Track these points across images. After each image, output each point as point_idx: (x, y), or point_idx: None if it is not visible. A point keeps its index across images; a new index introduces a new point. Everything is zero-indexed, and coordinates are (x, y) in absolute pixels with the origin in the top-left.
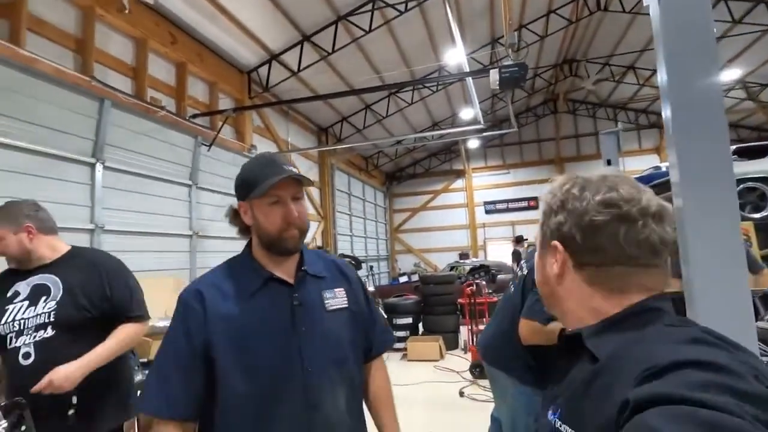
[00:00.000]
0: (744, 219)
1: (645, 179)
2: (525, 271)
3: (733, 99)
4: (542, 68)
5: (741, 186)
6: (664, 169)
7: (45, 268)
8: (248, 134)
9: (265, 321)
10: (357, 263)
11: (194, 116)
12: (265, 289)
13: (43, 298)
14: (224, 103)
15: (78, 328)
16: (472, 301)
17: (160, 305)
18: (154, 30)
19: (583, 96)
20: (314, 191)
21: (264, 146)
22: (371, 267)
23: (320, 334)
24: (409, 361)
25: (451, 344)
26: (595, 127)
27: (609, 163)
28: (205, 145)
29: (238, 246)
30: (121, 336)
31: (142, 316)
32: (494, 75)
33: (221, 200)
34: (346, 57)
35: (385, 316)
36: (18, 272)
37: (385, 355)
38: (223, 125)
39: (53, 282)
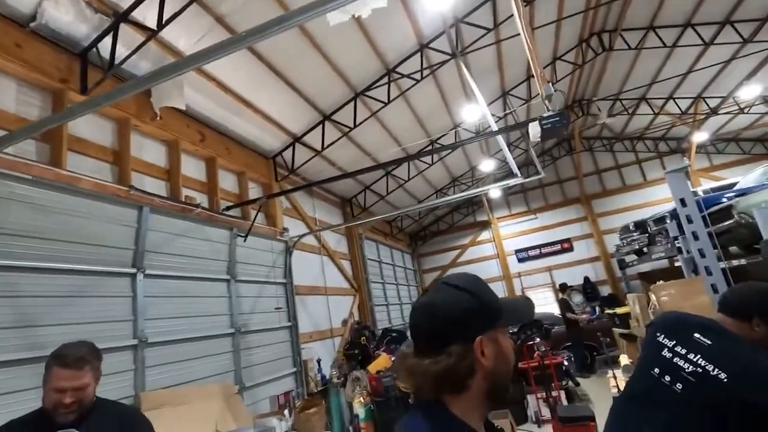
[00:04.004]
0: None
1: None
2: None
3: (755, 114)
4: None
5: None
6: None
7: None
8: (279, 217)
9: None
10: (401, 336)
11: (227, 208)
12: None
13: None
14: (253, 191)
15: None
16: (539, 364)
17: (211, 418)
18: (184, 132)
19: (597, 132)
20: (345, 263)
21: (293, 226)
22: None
23: None
24: None
25: (520, 418)
26: (614, 161)
27: (683, 203)
28: (241, 236)
29: (278, 337)
30: None
31: None
32: (535, 128)
33: (259, 290)
34: (366, 130)
35: None
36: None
37: None
38: (258, 213)
39: None
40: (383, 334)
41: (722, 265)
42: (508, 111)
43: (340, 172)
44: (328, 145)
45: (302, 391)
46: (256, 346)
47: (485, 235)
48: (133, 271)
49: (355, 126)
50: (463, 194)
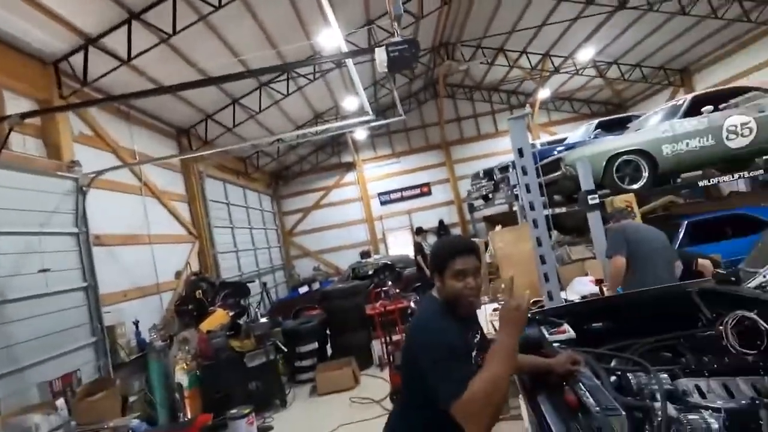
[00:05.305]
0: (624, 191)
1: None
2: None
3: (586, 77)
4: (421, 52)
5: (619, 159)
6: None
7: None
8: (66, 146)
9: None
10: (242, 290)
11: None
12: None
13: None
14: (19, 105)
15: None
16: (385, 309)
17: None
18: None
19: (460, 79)
20: (180, 206)
21: (94, 158)
22: (264, 284)
23: None
24: (320, 395)
25: (365, 362)
26: (473, 110)
27: (521, 153)
28: None
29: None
30: None
31: None
32: (381, 54)
33: (28, 245)
34: (194, 40)
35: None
36: None
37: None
38: (8, 135)
39: None
40: (220, 286)
41: (546, 212)
42: (375, 43)
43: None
44: (140, 54)
45: (103, 364)
46: (23, 318)
47: (350, 177)
48: None
49: (176, 32)
50: (324, 127)
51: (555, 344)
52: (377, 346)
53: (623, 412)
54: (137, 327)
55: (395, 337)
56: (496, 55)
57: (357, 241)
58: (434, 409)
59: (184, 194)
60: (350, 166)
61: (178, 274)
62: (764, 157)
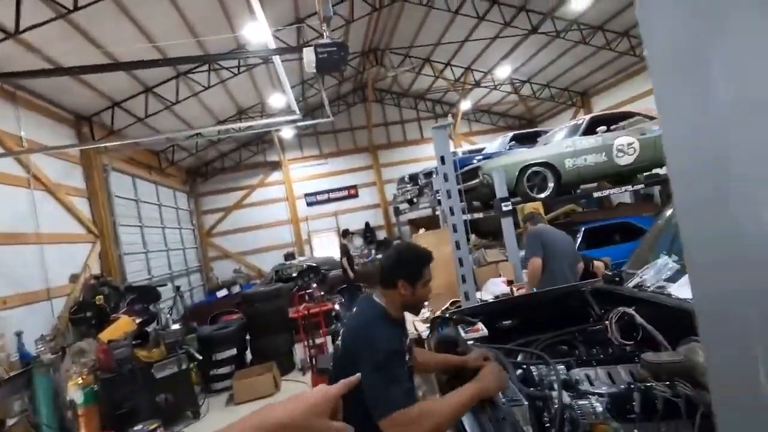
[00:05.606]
0: (534, 199)
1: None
2: None
3: (503, 92)
4: (351, 55)
5: (529, 170)
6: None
7: None
8: None
9: None
10: (151, 295)
11: None
12: None
13: None
14: None
15: None
16: (308, 312)
17: None
18: None
19: (389, 85)
20: (79, 202)
21: None
22: (178, 288)
23: None
24: (237, 404)
25: (287, 367)
26: (400, 116)
27: (443, 161)
28: None
29: None
30: None
31: None
32: (309, 55)
33: None
34: (101, 20)
35: (199, 358)
36: None
37: (206, 404)
38: None
39: None
40: (126, 291)
41: (465, 217)
42: (304, 42)
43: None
44: (31, 27)
45: None
46: None
47: (275, 176)
48: None
49: (77, 8)
50: (248, 124)
51: (469, 342)
52: (300, 350)
53: (525, 402)
54: (20, 339)
55: (319, 341)
56: (422, 65)
57: (281, 243)
58: (365, 416)
59: (83, 189)
60: (276, 165)
61: (74, 278)
62: (644, 174)
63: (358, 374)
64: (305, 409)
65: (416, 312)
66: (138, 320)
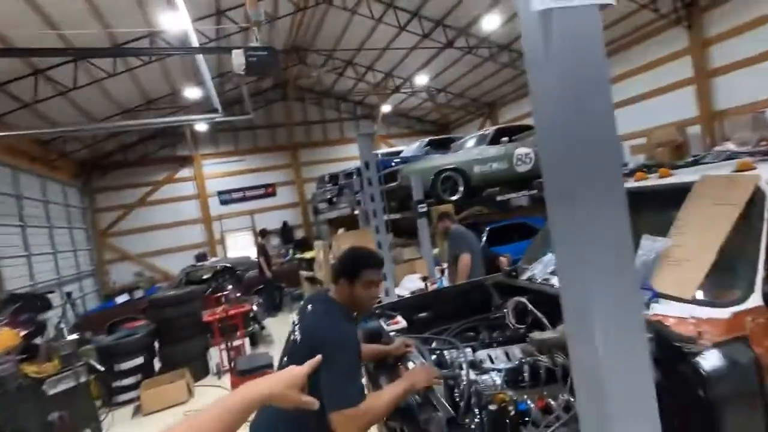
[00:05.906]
0: (446, 202)
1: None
2: None
3: (420, 99)
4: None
5: (442, 175)
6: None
7: None
8: None
9: None
10: (40, 303)
11: None
12: None
13: None
14: None
15: None
16: (225, 315)
17: None
18: None
19: (311, 84)
20: None
21: None
22: (68, 294)
23: None
24: (145, 416)
25: (200, 373)
26: (321, 115)
27: (367, 166)
28: None
29: None
30: None
31: None
32: (239, 57)
33: None
34: None
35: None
36: None
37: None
38: None
39: None
40: (8, 300)
41: (385, 218)
42: (224, 35)
43: None
44: None
45: None
46: None
47: (186, 172)
48: None
49: None
50: (160, 120)
51: (391, 333)
52: (215, 354)
53: (441, 382)
54: None
55: (236, 343)
56: (345, 67)
57: (191, 243)
58: (310, 420)
59: None
60: (186, 160)
61: None
62: (538, 180)
63: (319, 356)
64: (282, 383)
65: (360, 314)
66: (23, 332)
